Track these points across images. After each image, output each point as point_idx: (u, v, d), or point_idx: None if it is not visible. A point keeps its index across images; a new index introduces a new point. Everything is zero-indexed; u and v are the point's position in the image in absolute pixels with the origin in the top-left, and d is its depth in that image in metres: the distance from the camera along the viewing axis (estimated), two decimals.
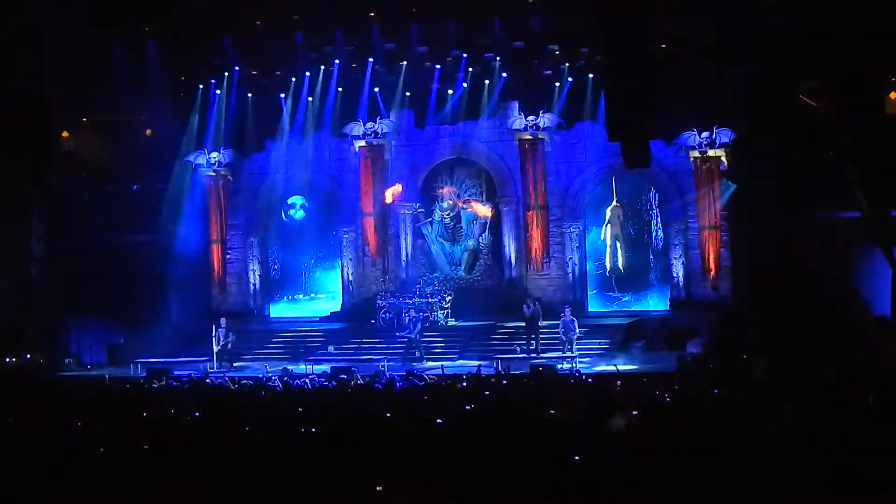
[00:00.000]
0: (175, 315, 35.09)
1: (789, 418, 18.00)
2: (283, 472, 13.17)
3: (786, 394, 19.48)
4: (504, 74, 33.74)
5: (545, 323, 30.63)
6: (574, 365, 27.63)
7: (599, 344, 30.71)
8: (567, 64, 33.20)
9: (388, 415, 17.24)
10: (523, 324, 30.89)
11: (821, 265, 30.51)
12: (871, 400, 16.62)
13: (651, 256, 34.07)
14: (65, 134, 36.92)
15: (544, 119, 33.58)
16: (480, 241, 35.43)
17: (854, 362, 23.19)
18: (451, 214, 35.57)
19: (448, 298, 33.40)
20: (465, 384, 22.24)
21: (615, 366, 26.34)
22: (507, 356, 29.21)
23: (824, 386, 21.35)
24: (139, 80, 34.83)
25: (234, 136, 36.02)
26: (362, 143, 34.95)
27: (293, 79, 35.24)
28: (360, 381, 23.51)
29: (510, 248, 34.67)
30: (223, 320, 31.93)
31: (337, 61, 34.61)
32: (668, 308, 33.24)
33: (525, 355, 29.56)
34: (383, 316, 33.09)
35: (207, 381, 24.53)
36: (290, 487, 12.50)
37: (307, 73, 35.03)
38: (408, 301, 32.81)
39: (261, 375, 26.00)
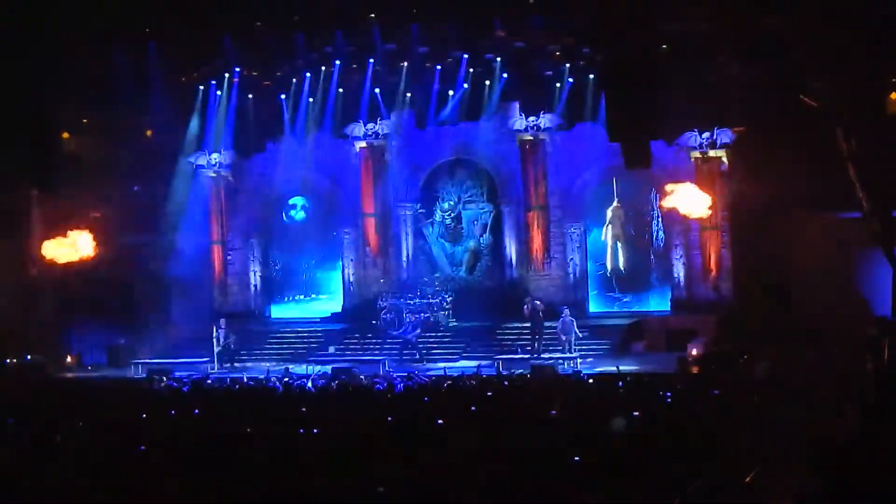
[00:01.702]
0: (176, 316, 35.06)
1: (790, 419, 18.00)
2: (284, 474, 13.16)
3: (786, 395, 19.49)
4: (505, 75, 33.73)
5: (546, 323, 30.64)
6: (575, 365, 27.61)
7: (601, 344, 30.71)
8: (568, 64, 33.17)
9: (389, 416, 17.24)
10: (527, 324, 30.91)
11: (822, 266, 30.49)
12: (872, 401, 16.61)
13: (652, 257, 34.03)
14: (66, 135, 36.89)
15: (545, 119, 33.55)
16: (481, 241, 35.43)
17: (855, 363, 23.16)
18: (452, 215, 35.56)
19: (449, 299, 33.35)
20: (469, 384, 22.24)
21: (616, 367, 26.31)
22: (509, 357, 29.18)
23: (825, 387, 21.35)
24: (140, 81, 34.81)
25: (235, 137, 36.01)
26: (363, 143, 34.96)
27: (294, 79, 35.24)
28: (362, 382, 23.49)
29: (511, 248, 34.66)
30: (223, 321, 31.93)
31: (337, 62, 34.58)
32: (669, 309, 33.23)
33: (527, 356, 29.51)
34: (384, 317, 33.06)
35: (208, 381, 24.53)
36: (292, 488, 12.49)
37: (308, 74, 35.01)
38: (409, 302, 32.78)
39: (262, 376, 25.99)
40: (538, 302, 31.07)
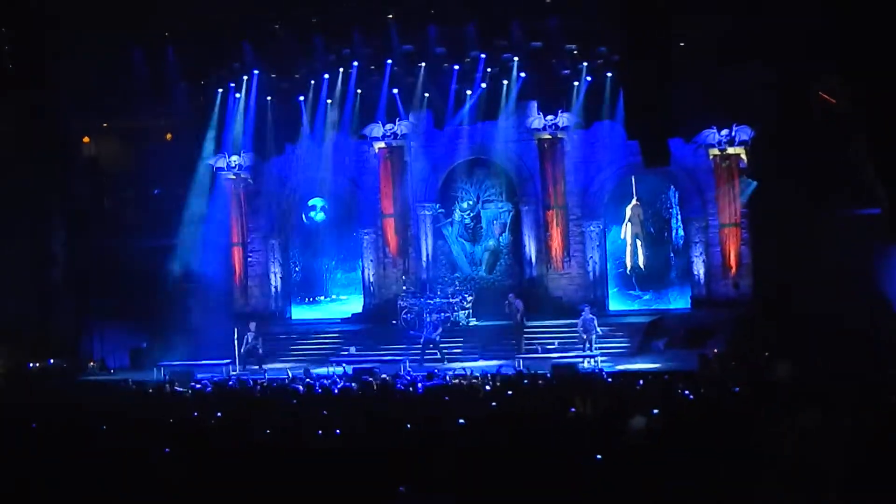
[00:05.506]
0: (197, 318, 35.17)
1: (810, 420, 17.95)
2: (306, 475, 13.22)
3: (807, 394, 19.44)
4: (522, 74, 33.77)
5: (563, 321, 30.74)
6: (596, 364, 27.61)
7: (621, 342, 30.71)
8: (585, 63, 33.18)
9: (411, 415, 17.27)
10: (548, 322, 31.00)
11: (841, 263, 30.40)
12: (894, 401, 16.57)
13: (671, 254, 34.03)
14: (86, 139, 37.08)
15: (563, 118, 33.55)
16: (501, 241, 35.48)
17: (876, 362, 23.10)
18: (472, 215, 35.62)
19: (469, 298, 33.43)
20: (488, 387, 22.25)
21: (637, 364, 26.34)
22: (529, 356, 29.20)
23: (846, 387, 21.29)
24: (159, 84, 34.97)
25: (255, 139, 36.14)
26: (382, 144, 35.03)
27: (312, 81, 35.32)
28: (383, 382, 23.52)
29: (530, 247, 34.67)
30: (253, 325, 31.93)
31: (355, 63, 34.65)
32: (689, 306, 33.19)
33: (547, 355, 29.44)
34: (405, 317, 33.14)
35: (230, 383, 24.61)
36: (314, 489, 12.54)
37: (326, 76, 35.09)
38: (429, 301, 32.82)
39: (283, 377, 26.07)
40: (519, 301, 31.13)
